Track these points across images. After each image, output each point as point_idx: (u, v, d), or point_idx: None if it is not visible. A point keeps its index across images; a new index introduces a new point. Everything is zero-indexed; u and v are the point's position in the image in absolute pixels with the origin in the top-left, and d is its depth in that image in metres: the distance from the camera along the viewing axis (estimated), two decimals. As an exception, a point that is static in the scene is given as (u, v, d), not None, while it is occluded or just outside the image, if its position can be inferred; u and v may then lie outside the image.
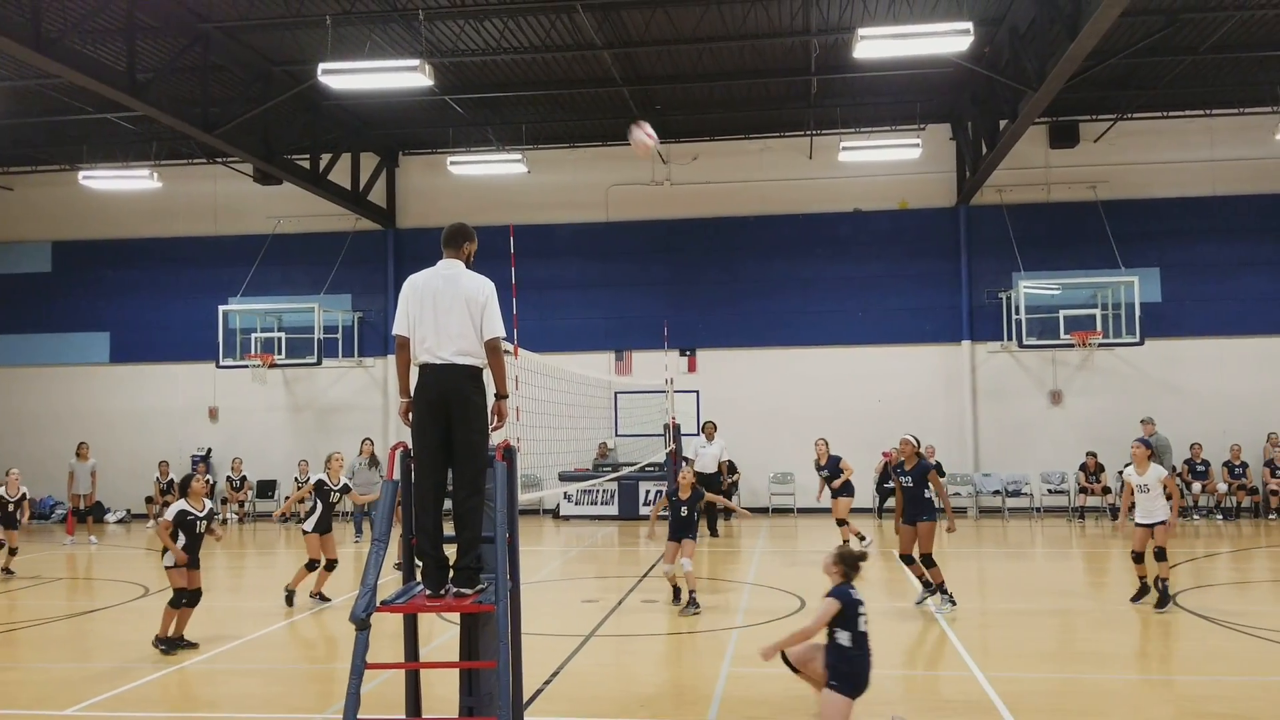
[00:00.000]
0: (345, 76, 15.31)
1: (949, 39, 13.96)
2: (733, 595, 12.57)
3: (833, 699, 6.56)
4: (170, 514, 10.11)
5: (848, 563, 6.92)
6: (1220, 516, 19.95)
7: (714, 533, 18.46)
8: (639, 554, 17.02)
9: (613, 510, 21.51)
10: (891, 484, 20.56)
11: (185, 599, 9.98)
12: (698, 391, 22.35)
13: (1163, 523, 11.11)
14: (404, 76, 15.13)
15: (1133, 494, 11.30)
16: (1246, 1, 15.89)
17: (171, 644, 9.85)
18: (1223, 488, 20.03)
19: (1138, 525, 11.24)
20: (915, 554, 11.40)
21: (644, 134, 9.28)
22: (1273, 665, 8.94)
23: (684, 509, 11.81)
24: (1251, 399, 20.90)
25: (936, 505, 11.35)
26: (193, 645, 9.93)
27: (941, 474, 20.74)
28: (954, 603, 11.30)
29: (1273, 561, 15.22)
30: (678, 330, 22.19)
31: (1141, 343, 20.06)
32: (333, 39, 15.98)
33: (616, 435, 22.45)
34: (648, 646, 10.20)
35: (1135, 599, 11.44)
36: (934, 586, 11.39)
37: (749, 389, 22.14)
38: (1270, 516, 19.97)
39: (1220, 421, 20.71)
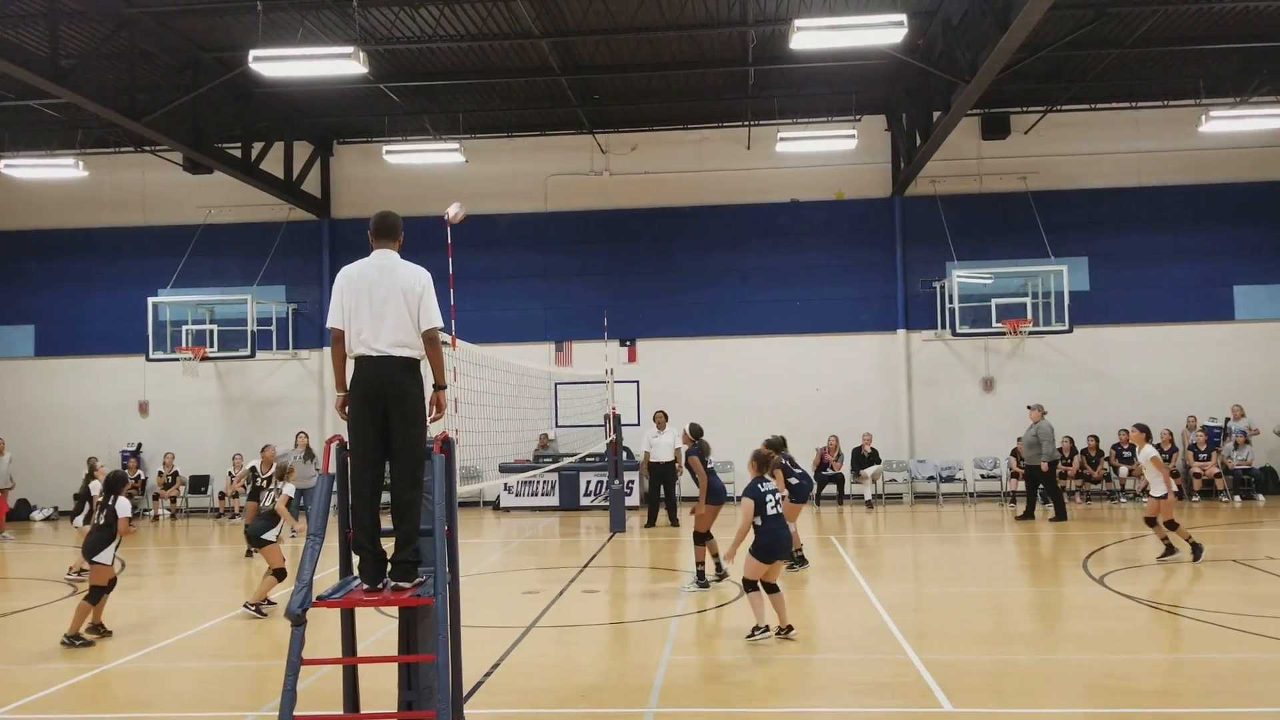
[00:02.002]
0: (277, 64, 15.02)
1: (883, 31, 14.09)
2: (674, 583, 12.62)
3: (749, 560, 9.42)
4: (128, 510, 10.28)
5: (760, 461, 9.66)
6: (1143, 499, 20.42)
7: (674, 522, 18.38)
8: (580, 544, 17.04)
9: (554, 501, 21.48)
10: (830, 472, 20.97)
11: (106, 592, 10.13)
12: (638, 382, 22.39)
13: (1162, 497, 13.03)
14: (338, 64, 14.89)
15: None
16: (1171, -4, 16.28)
17: (74, 640, 9.81)
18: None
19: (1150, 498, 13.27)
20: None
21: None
22: (1195, 643, 9.21)
23: None
24: (1174, 385, 21.45)
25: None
26: (108, 632, 10.12)
27: (877, 461, 21.08)
28: (704, 585, 12.06)
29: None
30: (618, 321, 22.19)
31: (1070, 330, 20.49)
32: (264, 25, 15.69)
33: (557, 426, 22.41)
34: (589, 637, 10.22)
35: (1166, 554, 13.21)
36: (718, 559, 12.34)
37: (689, 379, 22.23)
38: (1193, 499, 20.53)
39: (1145, 407, 21.08)
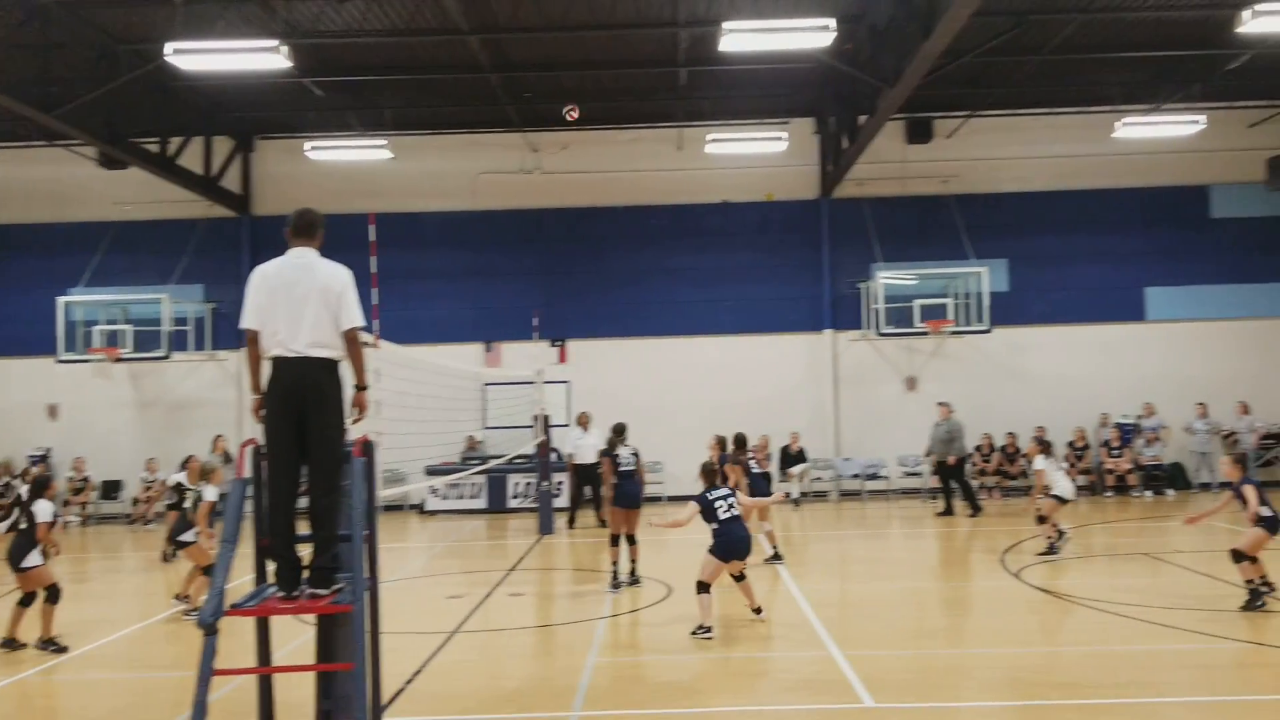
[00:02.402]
0: (196, 57, 14.70)
1: (811, 34, 14.22)
2: (602, 585, 12.60)
3: (707, 558, 9.91)
4: (49, 514, 10.03)
5: (707, 474, 10.38)
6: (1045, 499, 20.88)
7: (602, 523, 18.35)
8: (507, 547, 16.93)
9: (481, 504, 21.30)
10: (758, 471, 21.06)
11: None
12: (568, 382, 22.32)
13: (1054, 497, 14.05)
14: (260, 58, 14.61)
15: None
16: (1088, 5, 16.65)
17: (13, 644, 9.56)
18: (1064, 466, 20.96)
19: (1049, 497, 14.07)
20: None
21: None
22: (1107, 635, 9.44)
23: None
24: (1088, 383, 21.98)
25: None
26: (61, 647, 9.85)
27: (804, 459, 21.27)
28: (616, 588, 12.13)
29: (1107, 537, 16.10)
30: (548, 321, 22.05)
31: (990, 330, 20.88)
32: (183, 17, 15.31)
33: (485, 428, 22.26)
34: (514, 640, 10.16)
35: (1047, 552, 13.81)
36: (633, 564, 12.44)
37: (620, 379, 22.21)
38: (1106, 494, 21.07)
39: (1060, 405, 21.73)
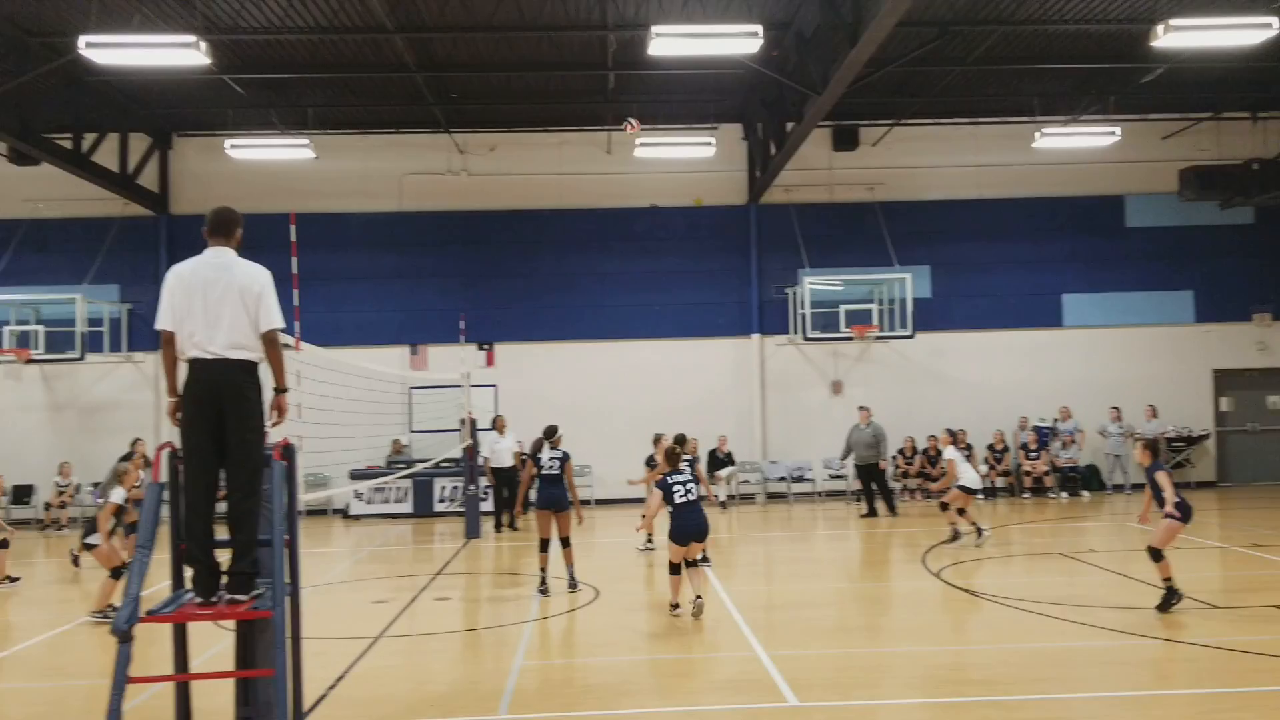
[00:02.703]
0: (112, 51, 14.28)
1: (739, 40, 14.32)
2: (527, 588, 12.54)
3: (669, 545, 10.64)
4: None
5: (669, 458, 11.01)
6: (981, 497, 21.33)
7: (514, 526, 18.33)
8: (433, 551, 16.77)
9: (407, 508, 21.06)
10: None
11: None
12: (496, 386, 22.19)
13: (961, 488, 14.99)
14: (178, 53, 14.27)
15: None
16: (1009, 17, 17.02)
17: None
18: (984, 469, 21.46)
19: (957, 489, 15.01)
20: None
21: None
22: (1024, 633, 9.65)
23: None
24: (1007, 387, 22.49)
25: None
26: None
27: (732, 463, 21.41)
28: (543, 592, 12.06)
29: (1025, 537, 16.44)
30: (475, 324, 21.94)
31: (913, 336, 21.23)
32: (98, 10, 14.93)
33: (411, 431, 22.03)
34: (440, 645, 10.06)
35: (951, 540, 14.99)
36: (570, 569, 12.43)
37: (548, 382, 22.15)
38: (1024, 495, 21.56)
39: (980, 408, 22.20)
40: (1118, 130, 20.35)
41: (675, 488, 10.67)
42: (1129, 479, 21.76)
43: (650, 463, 15.17)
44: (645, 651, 9.38)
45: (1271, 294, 23.01)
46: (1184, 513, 10.32)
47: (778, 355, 22.73)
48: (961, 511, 15.14)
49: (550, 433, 12.56)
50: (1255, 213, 22.94)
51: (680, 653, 9.35)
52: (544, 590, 12.00)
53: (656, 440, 14.99)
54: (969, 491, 15.05)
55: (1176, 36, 14.27)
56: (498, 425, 18.72)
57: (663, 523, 11.10)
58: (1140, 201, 23.05)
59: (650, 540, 15.23)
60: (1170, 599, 10.12)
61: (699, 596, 10.46)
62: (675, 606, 10.61)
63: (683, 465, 11.26)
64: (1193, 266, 22.98)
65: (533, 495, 12.66)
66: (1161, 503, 10.37)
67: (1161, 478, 10.46)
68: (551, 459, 12.19)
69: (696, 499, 10.74)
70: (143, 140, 21.70)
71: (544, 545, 12.10)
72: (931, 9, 16.54)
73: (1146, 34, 15.52)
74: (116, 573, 11.01)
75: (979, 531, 14.89)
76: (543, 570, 12.12)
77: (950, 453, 15.41)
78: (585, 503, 20.82)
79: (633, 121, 16.77)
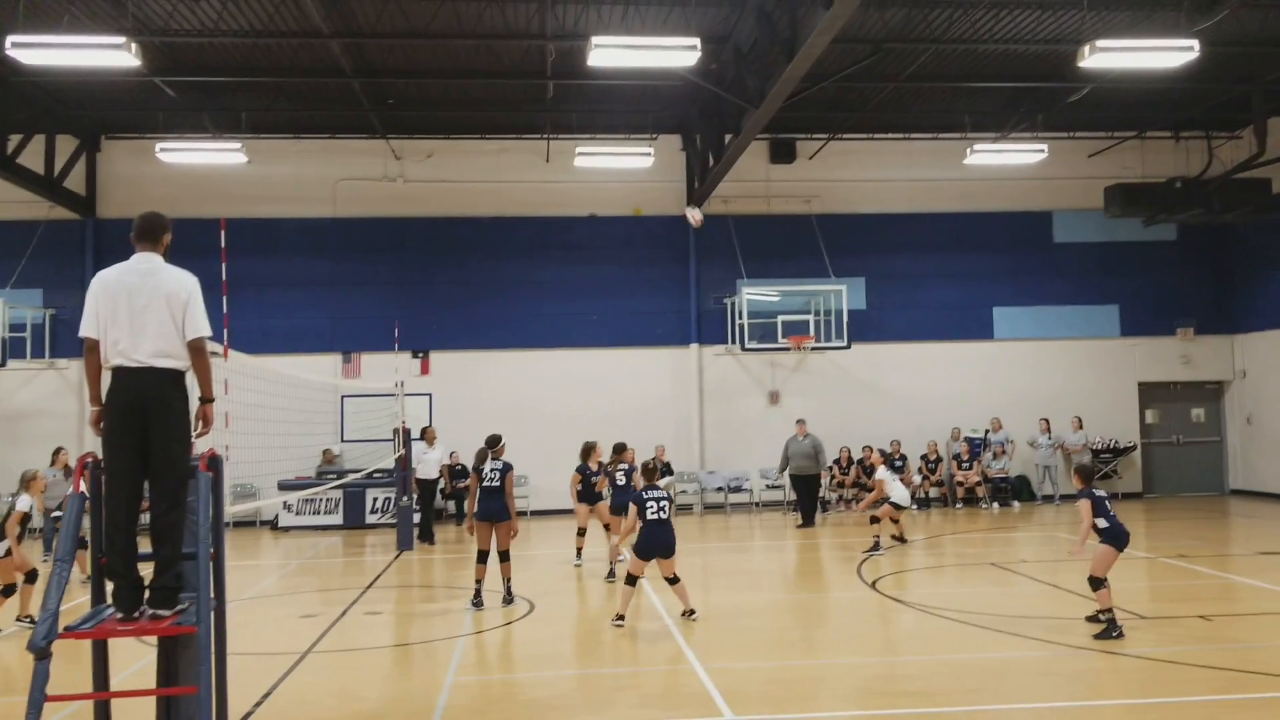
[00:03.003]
0: (39, 51, 13.91)
1: (678, 53, 14.37)
2: (461, 602, 12.39)
3: (630, 558, 10.97)
4: None
5: (645, 472, 11.49)
6: (915, 507, 21.61)
7: (430, 539, 18.05)
8: (364, 564, 16.52)
9: (337, 519, 20.73)
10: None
11: None
12: (431, 394, 21.97)
13: (889, 502, 15.78)
14: (108, 54, 13.93)
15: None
16: (941, 36, 17.31)
17: None
18: (917, 479, 21.73)
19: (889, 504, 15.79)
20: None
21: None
22: (957, 644, 9.75)
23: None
24: (940, 398, 22.82)
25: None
26: None
27: (670, 473, 21.42)
28: (477, 605, 11.93)
29: (957, 547, 16.66)
30: (410, 332, 21.71)
31: (849, 346, 21.46)
32: (25, 9, 14.52)
33: (343, 441, 21.71)
34: (370, 660, 9.90)
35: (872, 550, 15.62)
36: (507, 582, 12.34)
37: (484, 391, 21.98)
38: (957, 505, 21.88)
39: (915, 419, 22.49)
40: (1045, 148, 20.78)
41: (649, 503, 10.89)
42: (1058, 490, 22.19)
43: (582, 470, 14.90)
44: (580, 665, 9.32)
45: (1194, 309, 23.65)
46: (1112, 539, 10.04)
47: (715, 365, 22.81)
48: (895, 522, 15.96)
49: (493, 443, 12.42)
50: (1178, 230, 23.57)
51: (615, 666, 9.30)
52: (478, 604, 11.86)
53: (589, 449, 14.92)
54: (898, 507, 15.83)
55: (1102, 58, 14.59)
56: (426, 436, 18.53)
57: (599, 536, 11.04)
58: (1068, 217, 23.57)
59: (580, 556, 15.12)
60: (1110, 631, 9.74)
61: (692, 611, 10.90)
62: (620, 618, 10.66)
63: (659, 481, 11.40)
64: (1118, 281, 23.54)
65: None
66: (1096, 527, 10.12)
67: (1082, 506, 10.17)
68: (492, 470, 12.07)
69: (667, 517, 10.97)
70: (70, 142, 21.16)
71: (482, 557, 11.97)
72: (866, 27, 16.76)
73: (1073, 55, 15.85)
74: (29, 576, 10.87)
75: (901, 540, 15.85)
76: (478, 583, 11.99)
77: (881, 472, 16.12)
78: (522, 514, 20.72)
79: (696, 213, 19.41)
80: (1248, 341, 23.36)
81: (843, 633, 10.76)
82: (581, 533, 15.14)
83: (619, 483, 14.15)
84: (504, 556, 12.09)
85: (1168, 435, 23.85)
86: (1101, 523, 10.14)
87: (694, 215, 19.48)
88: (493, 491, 12.01)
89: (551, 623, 11.26)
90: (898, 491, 15.85)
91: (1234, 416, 23.80)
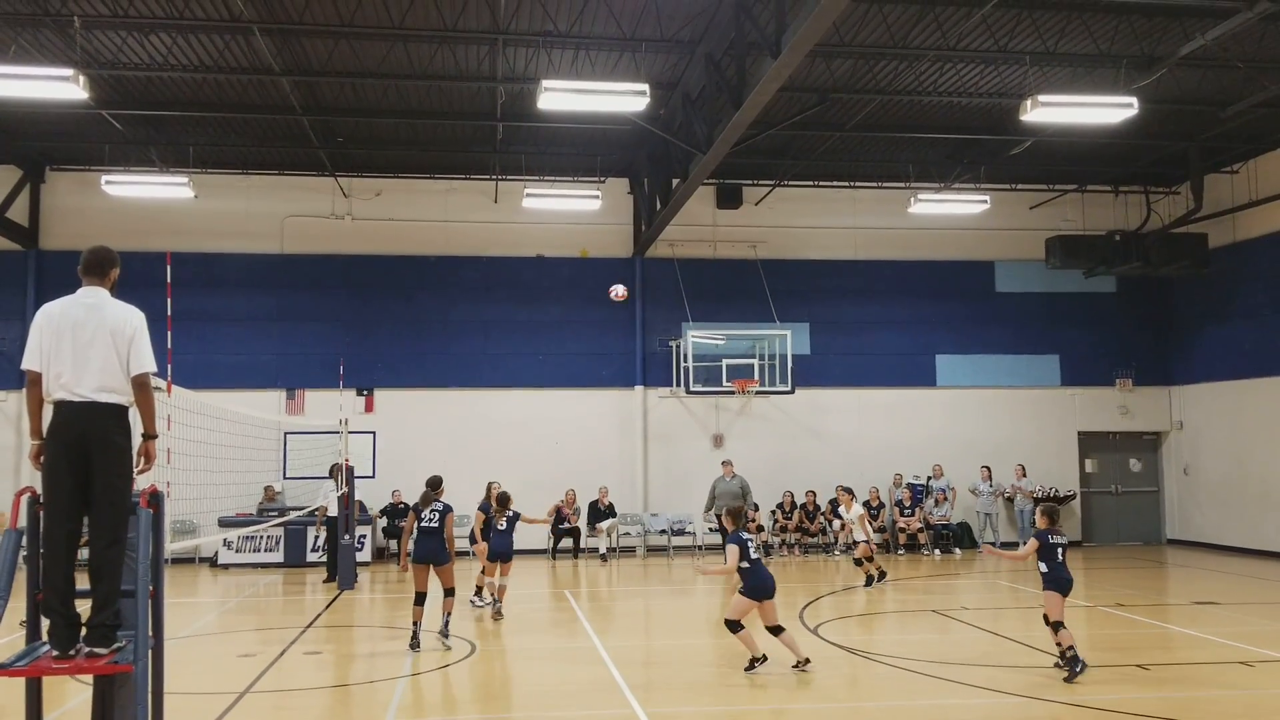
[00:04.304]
0: (-17, 80, 13.82)
1: (627, 98, 14.57)
2: (400, 643, 12.25)
3: (736, 598, 10.57)
4: None
5: (733, 517, 11.01)
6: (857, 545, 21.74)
7: (333, 578, 17.77)
8: (305, 603, 16.28)
9: (278, 557, 20.43)
10: (566, 526, 21.13)
11: None
12: (375, 432, 21.79)
13: (865, 542, 16.75)
14: (55, 86, 13.83)
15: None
16: (886, 87, 17.74)
17: None
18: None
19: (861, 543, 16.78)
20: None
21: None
22: (899, 691, 9.83)
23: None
24: (882, 444, 23.08)
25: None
26: None
27: (613, 514, 21.40)
28: (414, 647, 11.68)
29: (899, 594, 16.80)
30: (355, 369, 21.57)
31: (792, 391, 21.68)
32: (-31, 37, 14.40)
33: (285, 478, 21.43)
34: (308, 701, 9.74)
35: (866, 584, 16.67)
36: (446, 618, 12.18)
37: (429, 430, 21.86)
38: (899, 552, 22.07)
39: (857, 465, 22.70)
40: (988, 198, 21.33)
41: (749, 544, 10.70)
42: (999, 537, 22.45)
43: (483, 507, 14.67)
44: (521, 710, 9.26)
45: (1133, 360, 24.20)
46: (1056, 585, 10.29)
47: (660, 407, 22.90)
48: (867, 560, 16.90)
49: (434, 484, 12.32)
50: (1117, 282, 24.19)
51: (557, 709, 9.24)
52: (415, 646, 11.70)
53: (490, 488, 15.07)
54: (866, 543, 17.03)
55: (1044, 112, 15.06)
56: (333, 473, 18.19)
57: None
58: (1009, 267, 24.10)
59: (480, 595, 14.83)
60: (1074, 666, 9.92)
61: (805, 659, 10.53)
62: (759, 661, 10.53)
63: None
64: (1059, 331, 24.07)
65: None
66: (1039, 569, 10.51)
67: (1029, 544, 10.56)
68: (432, 511, 11.99)
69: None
70: (13, 173, 20.87)
71: (419, 599, 11.83)
72: (813, 76, 17.14)
73: (1016, 108, 16.36)
74: None
75: (871, 580, 16.75)
76: (415, 624, 11.83)
77: (859, 509, 17.58)
78: (464, 554, 20.53)
79: (620, 290, 20.82)
80: (1185, 393, 23.93)
81: (785, 678, 10.79)
82: (484, 571, 14.84)
83: (499, 528, 13.89)
84: (448, 593, 11.99)
85: (1106, 484, 24.31)
86: (1043, 567, 10.46)
87: (617, 291, 20.99)
88: (431, 532, 11.91)
89: (493, 664, 11.17)
90: (859, 535, 17.09)
91: (1171, 467, 24.32)
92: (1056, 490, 23.12)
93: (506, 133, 20.01)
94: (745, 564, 10.43)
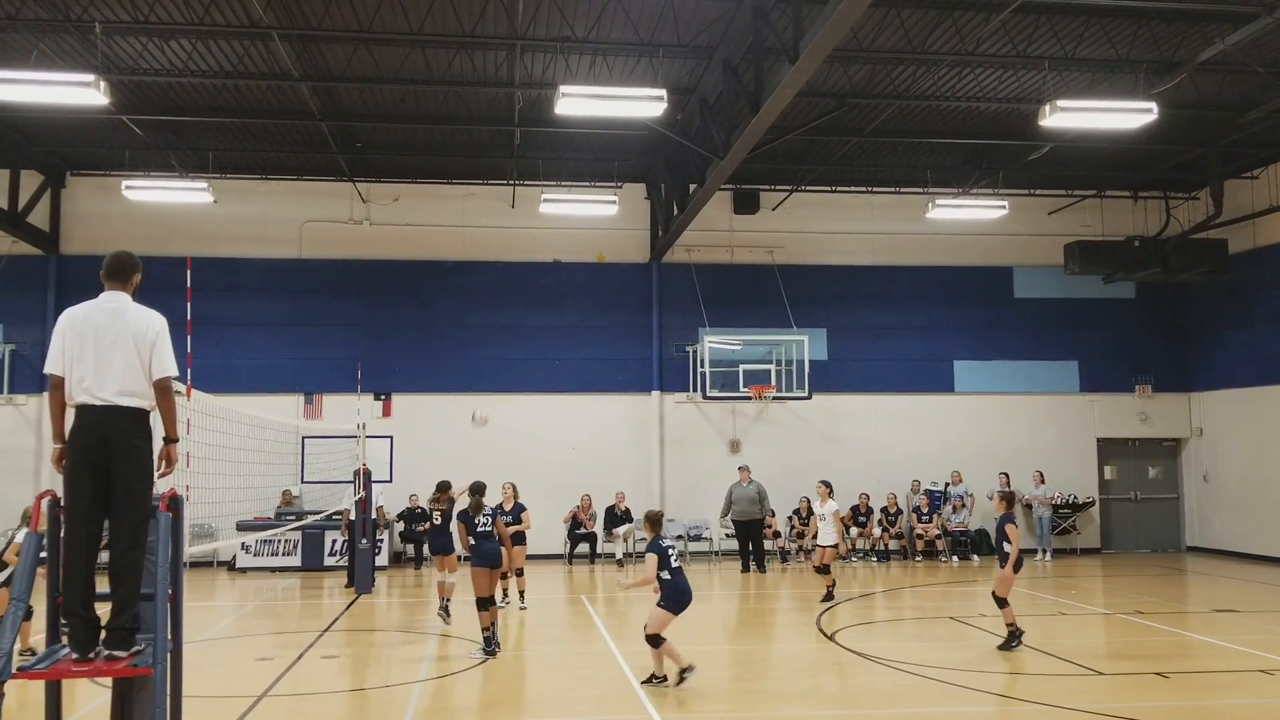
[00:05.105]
0: (7, 86, 13.91)
1: (644, 104, 14.58)
2: (417, 647, 12.28)
3: (655, 610, 10.10)
4: None
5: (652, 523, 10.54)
6: (875, 559, 21.72)
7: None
8: (322, 607, 16.33)
9: (295, 561, 20.49)
10: (583, 531, 21.15)
11: None
12: (392, 437, 21.85)
13: (834, 546, 15.47)
14: (76, 92, 13.94)
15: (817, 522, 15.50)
16: (904, 93, 17.69)
17: None
18: (877, 532, 21.82)
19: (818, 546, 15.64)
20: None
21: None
22: (915, 698, 9.79)
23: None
24: (900, 451, 22.98)
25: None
26: None
27: (629, 520, 21.38)
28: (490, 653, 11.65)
29: (916, 600, 16.74)
30: (373, 374, 21.65)
31: (809, 397, 21.63)
32: (-8, 44, 14.54)
33: (303, 482, 21.50)
34: (325, 706, 9.77)
35: (825, 600, 15.46)
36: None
37: (446, 435, 21.89)
38: (916, 558, 21.97)
39: (874, 471, 22.62)
40: (1006, 204, 21.24)
41: (669, 551, 10.30)
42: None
43: (462, 517, 14.62)
44: (537, 714, 9.25)
45: (1152, 366, 24.02)
46: (1016, 567, 11.77)
47: (677, 413, 22.88)
48: (825, 571, 15.84)
49: (480, 489, 12.29)
50: (1137, 288, 24.04)
51: (573, 715, 9.24)
52: (491, 651, 11.54)
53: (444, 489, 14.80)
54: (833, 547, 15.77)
55: (1063, 117, 14.99)
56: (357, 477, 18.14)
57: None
58: (1028, 273, 23.97)
59: (506, 597, 14.88)
60: (1011, 641, 11.59)
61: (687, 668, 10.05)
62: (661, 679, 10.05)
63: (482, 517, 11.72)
64: (1078, 337, 23.92)
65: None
66: (1002, 550, 11.81)
67: (1010, 531, 11.78)
68: (484, 516, 12.05)
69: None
70: (35, 177, 21.02)
71: (482, 604, 11.69)
72: (830, 81, 17.10)
73: (1035, 114, 16.27)
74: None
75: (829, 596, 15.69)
76: (485, 629, 11.68)
77: (834, 505, 15.93)
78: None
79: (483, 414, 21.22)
80: (1204, 400, 23.76)
81: (801, 685, 10.76)
82: (504, 575, 14.89)
83: (436, 523, 13.84)
84: (519, 572, 12.29)
85: (1125, 491, 24.15)
86: (1007, 546, 11.81)
87: (481, 415, 21.35)
88: (487, 536, 11.97)
89: (510, 669, 11.17)
90: (827, 535, 15.73)
91: (1191, 474, 24.14)
92: (1075, 497, 22.99)
93: (524, 138, 20.05)
94: (665, 574, 10.09)
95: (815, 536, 16.19)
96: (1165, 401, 24.07)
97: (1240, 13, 14.00)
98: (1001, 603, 11.72)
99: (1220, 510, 23.20)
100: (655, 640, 9.96)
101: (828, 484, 16.34)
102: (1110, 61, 16.03)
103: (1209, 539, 23.50)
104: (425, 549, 21.34)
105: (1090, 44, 15.60)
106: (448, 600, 13.39)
